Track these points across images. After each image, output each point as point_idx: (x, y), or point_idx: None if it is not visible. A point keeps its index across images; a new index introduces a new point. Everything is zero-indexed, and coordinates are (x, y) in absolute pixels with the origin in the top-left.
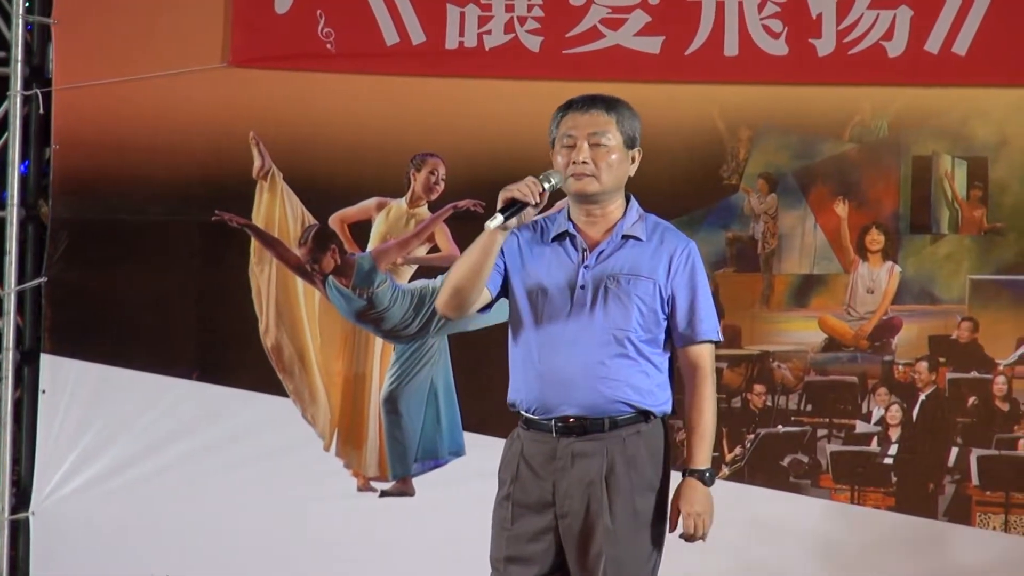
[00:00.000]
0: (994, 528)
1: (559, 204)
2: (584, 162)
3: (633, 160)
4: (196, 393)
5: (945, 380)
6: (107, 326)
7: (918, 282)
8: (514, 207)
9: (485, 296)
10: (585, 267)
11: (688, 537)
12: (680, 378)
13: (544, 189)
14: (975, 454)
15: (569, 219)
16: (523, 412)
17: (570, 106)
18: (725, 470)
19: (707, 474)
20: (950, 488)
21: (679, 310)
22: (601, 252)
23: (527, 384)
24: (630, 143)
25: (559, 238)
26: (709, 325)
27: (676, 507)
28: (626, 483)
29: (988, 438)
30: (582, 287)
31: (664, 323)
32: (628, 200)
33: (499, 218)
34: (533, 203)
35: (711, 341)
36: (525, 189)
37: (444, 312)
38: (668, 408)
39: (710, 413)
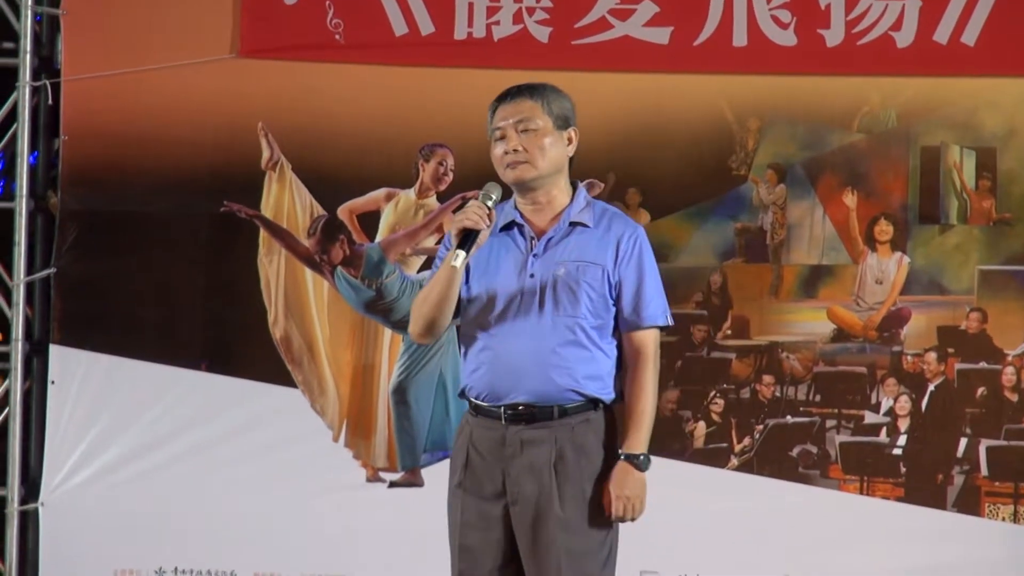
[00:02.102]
0: (1003, 519)
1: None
2: (516, 150)
3: (570, 141)
4: (205, 384)
5: (954, 371)
6: (116, 317)
7: (927, 273)
8: (471, 236)
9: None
10: (534, 256)
11: (618, 519)
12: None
13: (490, 208)
14: (984, 445)
15: (516, 208)
16: (472, 399)
17: (498, 100)
18: (734, 461)
19: (641, 459)
20: (959, 479)
21: (625, 296)
22: (549, 240)
23: (478, 371)
24: (562, 124)
25: (507, 228)
26: (655, 310)
27: (607, 489)
28: (576, 471)
29: (997, 429)
30: (531, 276)
31: (613, 309)
32: (575, 188)
33: (462, 255)
34: (486, 226)
35: (657, 326)
36: (474, 216)
37: (420, 341)
38: (616, 395)
39: (650, 398)
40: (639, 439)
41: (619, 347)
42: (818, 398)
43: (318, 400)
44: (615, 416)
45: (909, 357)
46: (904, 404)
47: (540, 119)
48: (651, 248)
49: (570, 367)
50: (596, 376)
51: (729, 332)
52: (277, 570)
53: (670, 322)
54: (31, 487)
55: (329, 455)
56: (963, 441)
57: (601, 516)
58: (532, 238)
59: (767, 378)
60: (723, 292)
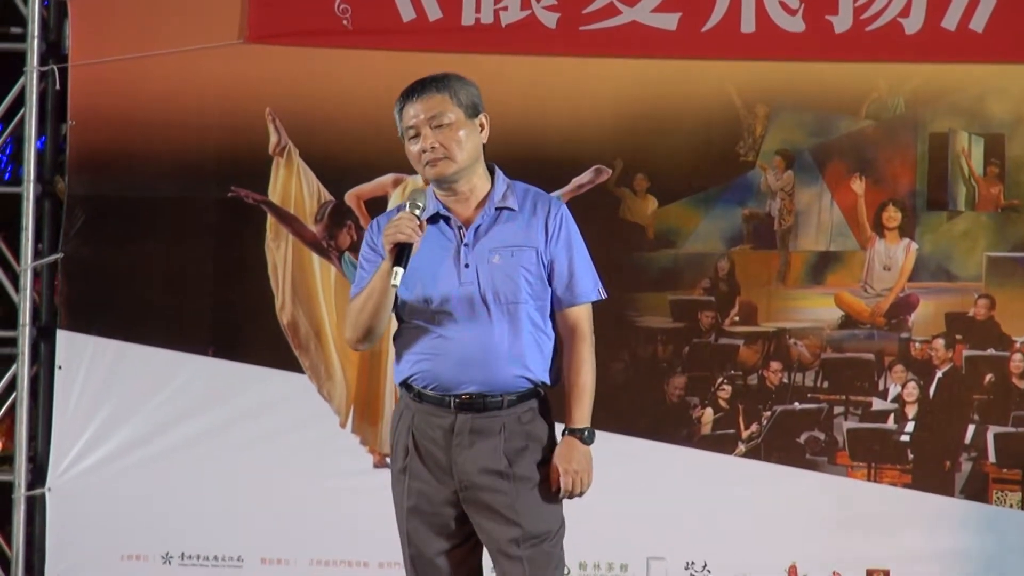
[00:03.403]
0: (1011, 506)
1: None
2: (433, 147)
3: (482, 127)
4: (212, 369)
5: (962, 357)
6: (123, 302)
7: (935, 259)
8: (405, 250)
9: None
10: (465, 245)
11: (567, 494)
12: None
13: (420, 219)
14: (992, 431)
15: (437, 200)
16: (416, 387)
17: (405, 97)
18: (741, 447)
19: (586, 433)
20: (967, 466)
21: (558, 274)
22: (478, 228)
23: (422, 363)
24: (472, 112)
25: (432, 220)
26: (587, 285)
27: (555, 465)
28: (526, 457)
29: (1005, 415)
30: (466, 265)
31: (550, 289)
32: (493, 172)
33: (399, 272)
34: (418, 237)
35: (591, 301)
36: (407, 230)
37: (357, 348)
38: (556, 376)
39: (589, 373)
40: (582, 413)
41: (555, 326)
42: (826, 384)
43: (325, 385)
44: (550, 402)
45: (917, 344)
46: (912, 391)
47: (452, 112)
48: (575, 223)
49: (518, 354)
50: (542, 359)
51: (736, 318)
52: (284, 555)
53: (603, 295)
54: (38, 472)
55: (336, 441)
56: (971, 428)
57: (553, 498)
58: (460, 228)
59: (775, 364)
60: (731, 278)
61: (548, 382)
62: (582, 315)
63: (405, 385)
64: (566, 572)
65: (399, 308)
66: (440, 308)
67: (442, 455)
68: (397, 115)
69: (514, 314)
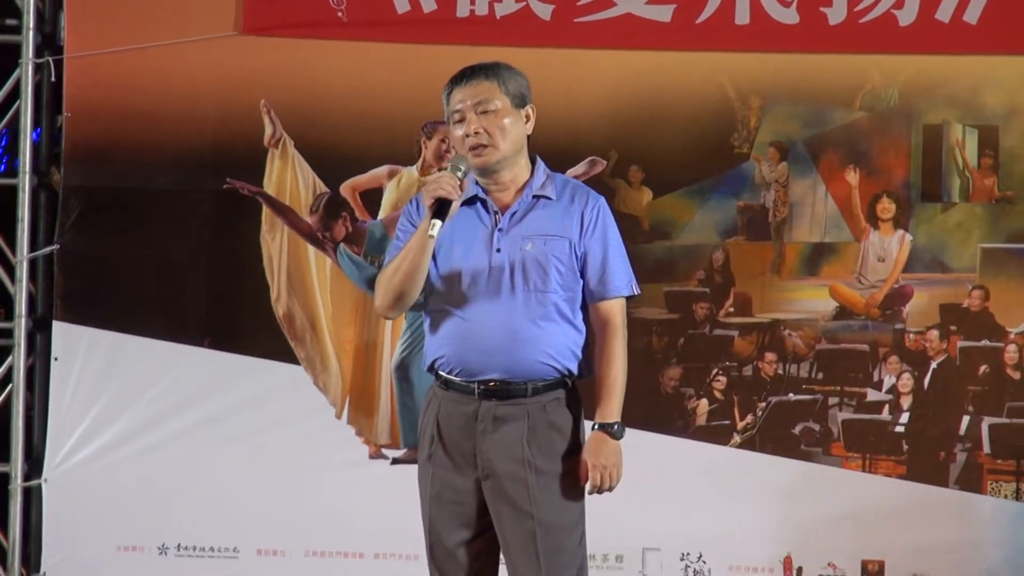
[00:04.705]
0: (1005, 496)
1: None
2: (477, 132)
3: (528, 118)
4: (207, 361)
5: (956, 348)
6: (119, 293)
7: (929, 250)
8: (444, 206)
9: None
10: (499, 230)
11: (596, 489)
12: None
13: (460, 179)
14: (986, 422)
15: (477, 184)
16: (443, 373)
17: (454, 81)
18: (736, 438)
19: (616, 427)
20: (961, 456)
21: (591, 267)
22: (514, 214)
23: (448, 347)
24: (519, 102)
25: (469, 203)
26: (621, 280)
27: (584, 460)
28: (549, 447)
29: (999, 406)
30: (498, 251)
31: (582, 281)
32: (534, 161)
33: (438, 223)
34: (457, 196)
35: (623, 296)
36: (447, 186)
37: (387, 315)
38: (586, 368)
39: (620, 368)
40: (612, 408)
41: (587, 319)
42: (820, 376)
43: (321, 377)
44: (579, 394)
45: (911, 335)
46: (906, 382)
47: (498, 99)
48: (613, 218)
49: (543, 342)
50: (569, 350)
51: (731, 309)
52: (279, 547)
53: (636, 291)
54: (34, 463)
55: (332, 432)
56: (965, 419)
57: (574, 491)
58: (496, 212)
59: (769, 355)
60: (725, 270)
61: (576, 372)
62: (615, 309)
63: (432, 371)
64: None
65: (428, 295)
66: (468, 292)
67: (466, 443)
68: (445, 99)
69: (541, 302)
